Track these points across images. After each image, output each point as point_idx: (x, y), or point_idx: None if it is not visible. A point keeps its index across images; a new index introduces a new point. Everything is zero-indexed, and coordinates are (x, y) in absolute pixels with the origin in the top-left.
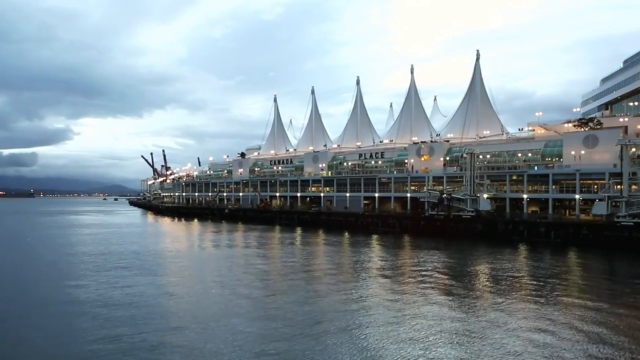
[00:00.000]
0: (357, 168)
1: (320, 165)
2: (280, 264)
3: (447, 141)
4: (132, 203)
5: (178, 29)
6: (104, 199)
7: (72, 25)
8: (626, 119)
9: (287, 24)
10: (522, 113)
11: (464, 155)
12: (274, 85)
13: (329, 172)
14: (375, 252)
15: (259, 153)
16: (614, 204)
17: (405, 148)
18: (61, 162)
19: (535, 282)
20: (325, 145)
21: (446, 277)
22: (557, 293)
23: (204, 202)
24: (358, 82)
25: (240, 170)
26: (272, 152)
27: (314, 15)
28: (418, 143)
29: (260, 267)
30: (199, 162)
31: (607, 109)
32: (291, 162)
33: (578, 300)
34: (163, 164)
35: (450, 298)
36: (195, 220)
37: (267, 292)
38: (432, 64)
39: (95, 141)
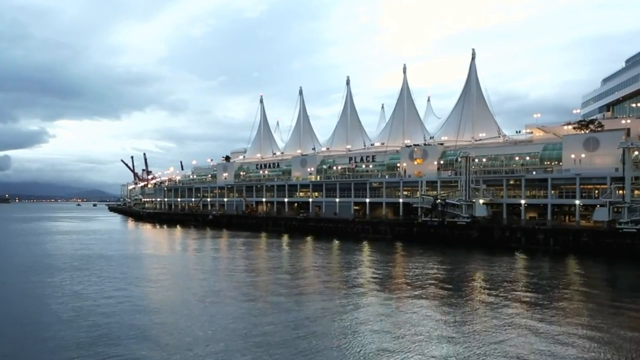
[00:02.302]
0: (347, 172)
1: (309, 170)
2: (265, 272)
3: (441, 144)
4: (111, 209)
5: (158, 27)
6: (78, 204)
7: (46, 22)
8: (628, 121)
9: (271, 22)
10: (515, 115)
11: (459, 158)
12: (259, 86)
13: (318, 177)
14: (366, 260)
15: (244, 157)
16: (615, 209)
17: (397, 151)
18: (36, 165)
19: (533, 292)
20: (313, 149)
21: (439, 286)
22: (556, 303)
23: (187, 208)
24: (348, 83)
25: (225, 174)
26: (258, 155)
27: (300, 13)
28: (411, 146)
29: (244, 276)
30: (182, 166)
31: (608, 110)
32: (278, 166)
33: (578, 311)
34: (144, 168)
35: (444, 309)
36: (178, 226)
37: (250, 304)
38: (425, 64)
39: (71, 144)
